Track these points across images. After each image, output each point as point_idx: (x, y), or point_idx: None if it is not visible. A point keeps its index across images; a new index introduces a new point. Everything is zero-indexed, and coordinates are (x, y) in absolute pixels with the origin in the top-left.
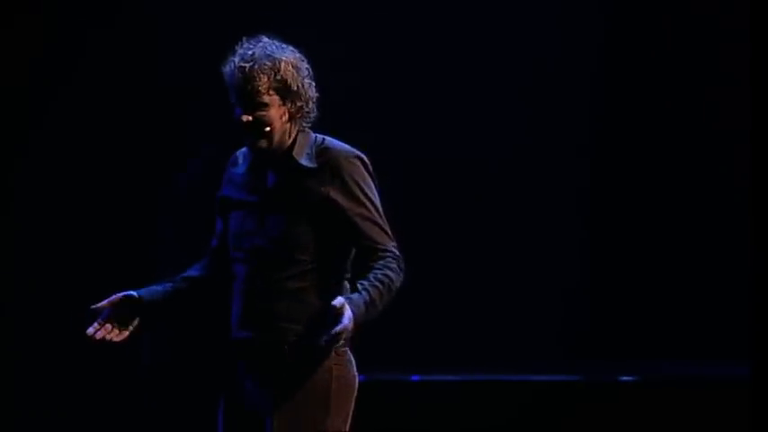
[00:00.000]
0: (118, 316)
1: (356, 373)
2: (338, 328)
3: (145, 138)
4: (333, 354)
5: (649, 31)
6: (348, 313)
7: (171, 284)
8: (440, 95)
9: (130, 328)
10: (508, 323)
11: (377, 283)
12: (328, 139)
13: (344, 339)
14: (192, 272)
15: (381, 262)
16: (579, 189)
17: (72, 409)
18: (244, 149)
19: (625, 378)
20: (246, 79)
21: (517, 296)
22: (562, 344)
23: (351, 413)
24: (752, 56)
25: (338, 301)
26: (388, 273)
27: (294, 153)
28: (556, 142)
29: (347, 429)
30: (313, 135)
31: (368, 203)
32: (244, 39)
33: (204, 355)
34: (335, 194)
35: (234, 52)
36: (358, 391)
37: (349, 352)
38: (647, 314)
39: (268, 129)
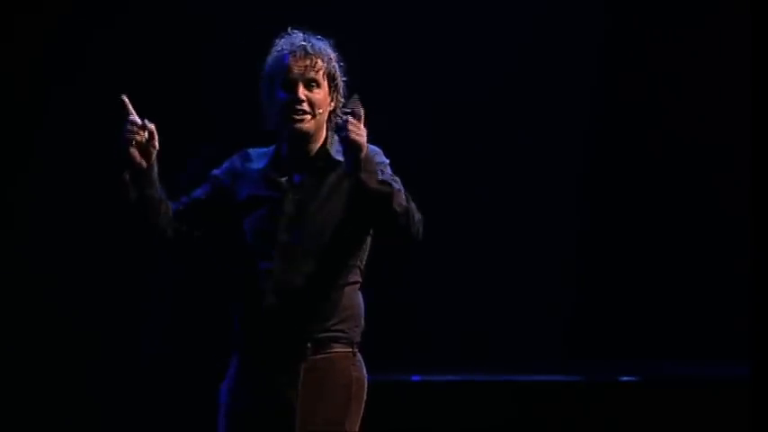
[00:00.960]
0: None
1: (366, 374)
2: (356, 117)
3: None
4: (350, 353)
5: (650, 28)
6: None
7: (163, 194)
8: (436, 92)
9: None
10: (508, 323)
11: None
12: None
13: (355, 136)
14: (172, 206)
15: None
16: (579, 189)
17: (72, 402)
18: (258, 149)
19: (625, 378)
20: (308, 56)
21: (517, 296)
22: (562, 344)
23: (361, 414)
24: (752, 56)
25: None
26: (404, 194)
27: (327, 146)
28: (555, 142)
29: (357, 430)
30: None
31: (390, 177)
32: (289, 28)
33: (205, 346)
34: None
35: (277, 43)
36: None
37: (359, 354)
38: (647, 314)
39: (320, 111)
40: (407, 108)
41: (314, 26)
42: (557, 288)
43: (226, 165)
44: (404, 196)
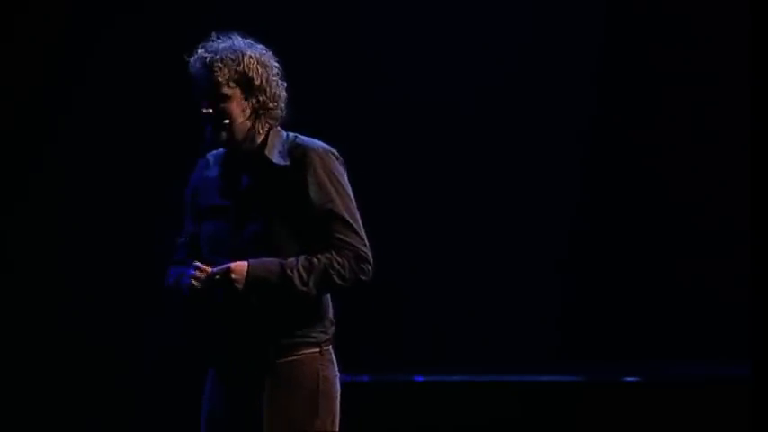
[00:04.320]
0: None
1: (338, 373)
2: (216, 270)
3: (145, 139)
4: (318, 354)
5: (649, 27)
6: (236, 265)
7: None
8: (434, 91)
9: None
10: (509, 323)
11: (313, 260)
12: (300, 136)
13: (236, 283)
14: (180, 254)
15: (335, 251)
16: (579, 189)
17: (73, 404)
18: (216, 151)
19: (626, 378)
20: (207, 70)
21: (518, 296)
22: (562, 344)
23: (338, 413)
24: (751, 55)
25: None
26: (336, 259)
27: (266, 152)
28: (553, 142)
29: (335, 429)
30: (284, 133)
31: (338, 200)
32: (213, 33)
33: (204, 348)
34: (308, 190)
35: (201, 45)
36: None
37: (331, 351)
38: (647, 314)
39: (227, 122)
40: (406, 107)
41: (318, 25)
42: (557, 288)
43: (190, 184)
44: (321, 270)
